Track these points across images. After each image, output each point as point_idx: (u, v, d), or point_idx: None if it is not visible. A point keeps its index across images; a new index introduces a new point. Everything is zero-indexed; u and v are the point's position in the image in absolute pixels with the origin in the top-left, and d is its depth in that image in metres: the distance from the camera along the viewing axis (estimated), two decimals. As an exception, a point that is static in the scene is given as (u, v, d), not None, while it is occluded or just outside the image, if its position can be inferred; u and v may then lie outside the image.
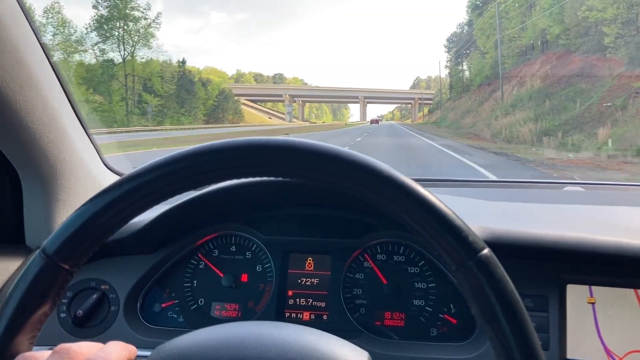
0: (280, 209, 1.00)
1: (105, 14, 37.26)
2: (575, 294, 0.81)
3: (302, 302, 0.94)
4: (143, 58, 37.67)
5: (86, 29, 36.42)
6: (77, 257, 0.45)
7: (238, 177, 0.46)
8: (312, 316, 0.93)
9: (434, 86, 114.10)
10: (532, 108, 21.56)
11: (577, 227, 0.92)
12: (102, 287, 0.92)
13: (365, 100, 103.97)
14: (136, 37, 38.11)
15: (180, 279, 0.98)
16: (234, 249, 0.99)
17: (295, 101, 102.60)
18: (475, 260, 0.43)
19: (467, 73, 59.70)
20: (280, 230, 0.99)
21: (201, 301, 0.96)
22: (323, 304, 0.94)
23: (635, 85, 16.40)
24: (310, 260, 0.97)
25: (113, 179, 0.83)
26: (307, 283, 0.96)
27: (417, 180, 0.45)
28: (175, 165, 0.45)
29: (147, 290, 0.96)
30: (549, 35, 29.16)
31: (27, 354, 0.44)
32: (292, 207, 1.00)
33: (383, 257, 0.96)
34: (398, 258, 0.95)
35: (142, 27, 38.29)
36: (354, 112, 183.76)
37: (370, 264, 0.95)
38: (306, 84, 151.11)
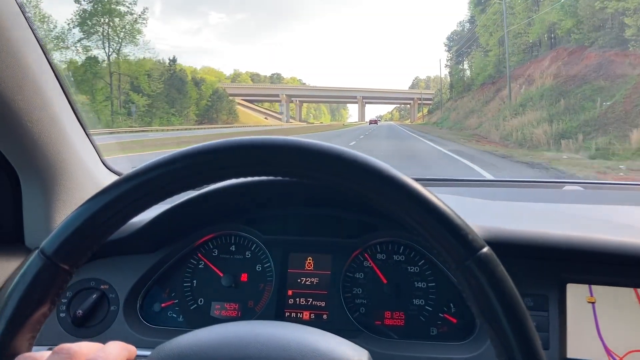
0: (280, 208, 0.99)
1: (89, 9, 35.41)
2: (575, 293, 0.81)
3: (302, 302, 0.94)
4: (129, 55, 35.80)
5: (68, 24, 34.52)
6: (76, 258, 0.45)
7: (237, 177, 0.46)
8: (312, 316, 0.93)
9: (434, 86, 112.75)
10: (544, 108, 19.69)
11: (576, 226, 0.92)
12: (102, 286, 0.92)
13: (364, 100, 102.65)
14: (122, 33, 36.30)
15: (180, 279, 0.97)
16: (233, 249, 0.99)
17: (292, 101, 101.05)
18: (475, 259, 0.43)
19: (468, 72, 57.80)
20: (280, 230, 0.98)
21: (201, 301, 0.96)
22: (323, 304, 0.93)
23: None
24: (310, 259, 0.97)
25: (112, 179, 0.83)
26: (307, 282, 0.95)
27: (416, 179, 0.45)
28: (174, 165, 0.45)
29: (146, 290, 0.95)
30: (559, 30, 27.32)
31: (27, 354, 0.44)
32: (292, 206, 0.99)
33: (383, 256, 0.96)
34: (398, 257, 0.95)
35: (128, 22, 36.45)
36: (352, 112, 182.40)
37: (370, 264, 0.95)
38: (304, 84, 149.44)
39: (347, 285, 0.94)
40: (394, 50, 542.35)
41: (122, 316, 0.90)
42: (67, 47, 33.74)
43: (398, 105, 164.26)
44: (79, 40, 34.64)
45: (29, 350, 0.45)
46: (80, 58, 33.68)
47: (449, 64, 63.76)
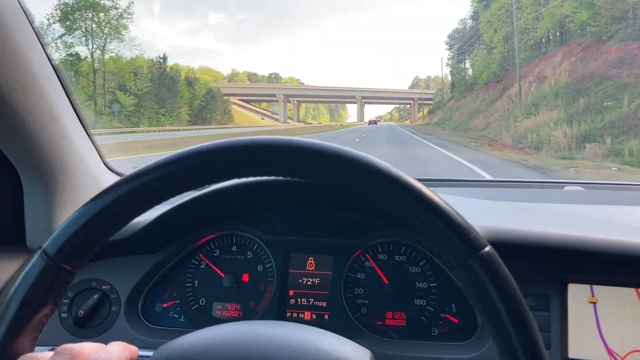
0: (281, 208, 0.99)
1: (71, 3, 33.35)
2: (577, 293, 0.81)
3: (304, 302, 0.94)
4: (113, 52, 33.77)
5: (48, 19, 32.50)
6: (78, 258, 0.45)
7: (239, 177, 0.47)
8: (314, 316, 0.93)
9: (434, 86, 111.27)
10: (561, 107, 17.80)
11: (577, 227, 0.92)
12: (104, 287, 0.92)
13: (363, 100, 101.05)
14: (107, 28, 34.27)
15: (182, 279, 0.97)
16: (235, 249, 0.99)
17: (290, 101, 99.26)
18: (477, 258, 0.43)
19: (470, 71, 55.78)
20: (281, 230, 0.98)
21: (202, 301, 0.96)
22: (324, 304, 0.93)
23: None
24: (311, 260, 0.96)
25: (113, 179, 0.85)
26: (309, 283, 0.95)
27: (418, 180, 0.45)
28: (176, 165, 0.45)
29: (148, 290, 0.95)
30: (572, 23, 25.39)
31: (29, 355, 0.44)
32: (293, 206, 0.99)
33: (384, 256, 0.95)
34: (399, 258, 0.95)
35: (113, 17, 34.45)
36: (351, 112, 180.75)
37: (371, 264, 0.95)
38: (303, 83, 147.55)
39: (348, 285, 0.94)
40: (394, 49, 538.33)
41: (123, 316, 0.90)
42: (47, 44, 31.68)
43: (398, 106, 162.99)
44: (60, 37, 32.66)
45: (32, 350, 0.45)
46: (60, 55, 31.73)
47: (450, 62, 62.18)
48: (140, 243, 0.93)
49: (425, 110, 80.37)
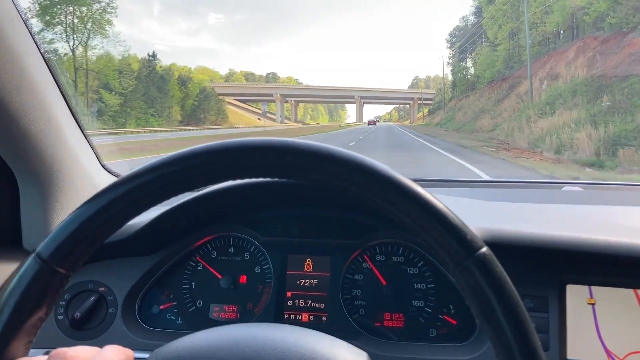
0: (279, 209, 0.99)
1: (51, -4, 31.37)
2: (575, 295, 0.81)
3: (301, 304, 0.94)
4: (96, 48, 31.74)
5: (25, 14, 30.44)
6: (72, 261, 0.45)
7: (235, 179, 0.47)
8: (311, 317, 0.93)
9: (434, 86, 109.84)
10: (581, 106, 15.85)
11: (576, 227, 0.92)
12: (100, 289, 0.92)
13: (362, 100, 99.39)
14: (89, 23, 32.23)
15: (179, 281, 0.97)
16: (232, 251, 0.99)
17: (287, 101, 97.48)
18: (474, 259, 0.42)
19: (471, 70, 53.63)
20: (279, 231, 0.98)
21: (199, 303, 0.96)
22: (322, 305, 0.93)
23: None
24: (309, 261, 0.96)
25: (110, 180, 0.84)
26: (306, 284, 0.95)
27: (415, 180, 0.45)
28: (172, 167, 0.45)
29: (145, 292, 0.95)
30: (587, 16, 23.38)
31: (23, 359, 0.44)
32: (291, 207, 0.99)
33: (382, 257, 0.95)
34: (397, 259, 0.95)
35: (96, 11, 32.39)
36: (351, 113, 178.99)
37: (369, 265, 0.95)
38: (301, 83, 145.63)
39: (346, 286, 0.94)
40: (393, 48, 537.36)
41: (120, 318, 0.90)
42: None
43: (397, 106, 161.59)
44: (39, 32, 30.63)
45: (26, 354, 0.44)
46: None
47: (451, 61, 60.38)
48: (137, 245, 0.93)
49: (425, 111, 79.17)
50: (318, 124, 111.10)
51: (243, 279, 0.96)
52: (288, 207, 0.99)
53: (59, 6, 31.62)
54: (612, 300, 0.79)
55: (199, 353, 0.44)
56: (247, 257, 0.98)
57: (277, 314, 0.93)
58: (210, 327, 0.49)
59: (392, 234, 0.95)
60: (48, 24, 31.12)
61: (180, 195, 0.48)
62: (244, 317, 0.94)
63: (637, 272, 0.78)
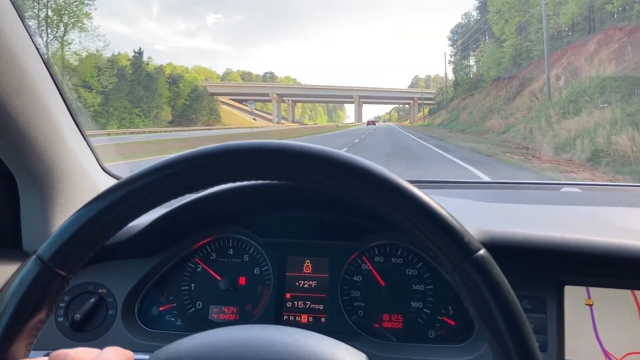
0: (278, 211, 0.99)
1: (23, -13, 28.98)
2: (573, 296, 0.81)
3: (300, 305, 0.94)
4: (72, 43, 29.34)
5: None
6: (73, 263, 0.45)
7: (234, 181, 0.47)
8: (310, 319, 0.93)
9: (434, 85, 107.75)
10: (616, 104, 13.51)
11: (574, 228, 0.92)
12: (100, 290, 0.92)
13: (361, 100, 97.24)
14: (65, 16, 29.87)
15: (178, 283, 0.97)
16: (231, 252, 0.99)
17: (284, 101, 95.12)
18: (471, 261, 0.43)
19: (474, 68, 51.16)
20: (278, 233, 0.98)
21: (199, 304, 0.96)
22: (321, 307, 0.93)
23: None
24: (308, 262, 0.96)
25: (110, 182, 0.88)
26: (305, 286, 0.95)
27: (412, 182, 0.45)
28: (171, 169, 0.45)
29: (144, 294, 0.95)
30: (609, 4, 21.08)
31: None
32: (290, 209, 0.99)
33: (381, 259, 0.95)
34: (396, 260, 0.95)
35: (73, 2, 29.98)
36: (350, 113, 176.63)
37: (368, 266, 0.95)
38: (299, 83, 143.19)
39: (345, 288, 0.94)
40: (393, 48, 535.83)
41: (120, 320, 0.90)
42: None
43: (396, 106, 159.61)
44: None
45: (27, 356, 0.45)
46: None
47: (453, 59, 58.13)
48: (136, 246, 0.93)
49: (426, 111, 77.17)
50: (316, 124, 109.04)
51: (242, 280, 0.96)
52: (287, 209, 0.99)
53: (31, -2, 29.28)
54: (610, 301, 0.79)
55: (199, 354, 0.44)
56: (246, 258, 0.98)
57: (276, 316, 0.93)
58: (209, 328, 0.49)
59: (390, 236, 0.95)
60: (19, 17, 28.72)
61: (180, 197, 0.48)
62: (244, 318, 0.94)
63: (634, 273, 0.79)
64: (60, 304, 0.90)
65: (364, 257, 0.95)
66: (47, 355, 0.42)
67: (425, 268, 0.93)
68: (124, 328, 0.89)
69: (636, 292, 0.79)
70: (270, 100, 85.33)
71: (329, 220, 0.97)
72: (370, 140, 21.42)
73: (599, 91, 15.59)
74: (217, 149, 0.45)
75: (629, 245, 0.78)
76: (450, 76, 57.35)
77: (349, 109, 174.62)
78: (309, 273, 0.95)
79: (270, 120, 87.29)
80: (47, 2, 29.62)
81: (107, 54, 33.12)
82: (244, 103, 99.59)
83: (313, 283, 0.95)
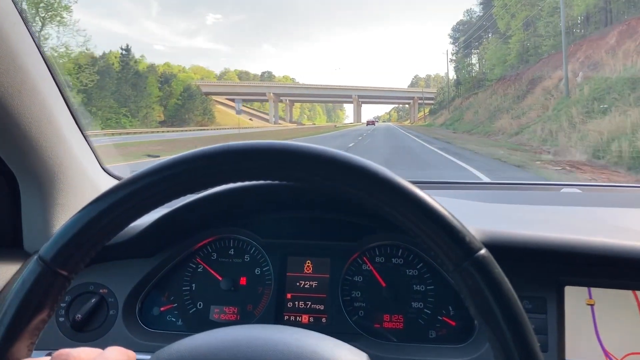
0: (279, 211, 0.99)
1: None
2: (574, 296, 0.81)
3: (301, 305, 0.94)
4: (48, 38, 27.29)
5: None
6: (74, 263, 0.45)
7: (234, 181, 0.47)
8: (311, 319, 0.93)
9: (434, 85, 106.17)
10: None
11: (574, 229, 0.91)
12: (101, 291, 0.92)
13: (360, 99, 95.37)
14: (42, 10, 27.88)
15: (179, 283, 0.97)
16: (232, 252, 0.99)
17: (281, 100, 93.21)
18: (472, 261, 0.43)
19: (476, 67, 49.13)
20: (279, 233, 0.98)
21: (200, 305, 0.96)
22: (322, 307, 0.93)
23: None
24: (308, 263, 0.96)
25: (111, 183, 0.84)
26: (306, 286, 0.95)
27: (413, 182, 0.45)
28: (172, 170, 0.45)
29: (145, 294, 0.95)
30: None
31: None
32: (290, 210, 0.99)
33: (382, 259, 0.95)
34: (396, 261, 0.95)
35: (53, -5, 27.97)
36: (349, 113, 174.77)
37: (368, 267, 0.95)
38: (298, 83, 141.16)
39: (345, 288, 0.94)
40: (392, 47, 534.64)
41: (121, 320, 0.90)
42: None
43: (396, 106, 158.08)
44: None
45: (29, 356, 0.45)
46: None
47: (454, 58, 56.23)
48: (137, 247, 0.93)
49: (426, 110, 75.45)
50: (314, 124, 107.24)
51: (243, 280, 0.96)
52: (288, 209, 0.98)
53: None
54: (611, 301, 0.79)
55: (200, 354, 0.44)
56: (247, 259, 0.98)
57: (277, 316, 0.93)
58: (210, 328, 0.49)
59: (391, 236, 0.94)
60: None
61: (181, 198, 0.48)
62: (244, 318, 0.94)
63: (635, 274, 0.79)
64: (62, 304, 0.90)
65: (364, 258, 0.95)
66: (48, 355, 0.43)
67: (426, 268, 0.93)
68: (124, 328, 0.89)
69: (637, 292, 0.79)
70: (267, 100, 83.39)
71: (330, 221, 0.97)
72: (369, 143, 19.45)
73: (629, 87, 13.70)
74: (217, 150, 0.45)
75: (629, 245, 0.78)
76: (452, 75, 55.48)
77: (348, 109, 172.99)
78: (309, 273, 0.95)
79: (267, 120, 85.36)
80: (23, -7, 27.70)
81: (89, 49, 31.15)
82: (242, 103, 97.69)
83: (314, 283, 0.95)
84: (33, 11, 27.50)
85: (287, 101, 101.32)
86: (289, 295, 0.94)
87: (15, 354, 0.43)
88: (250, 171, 0.46)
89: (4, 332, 0.43)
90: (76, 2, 29.41)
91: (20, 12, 0.80)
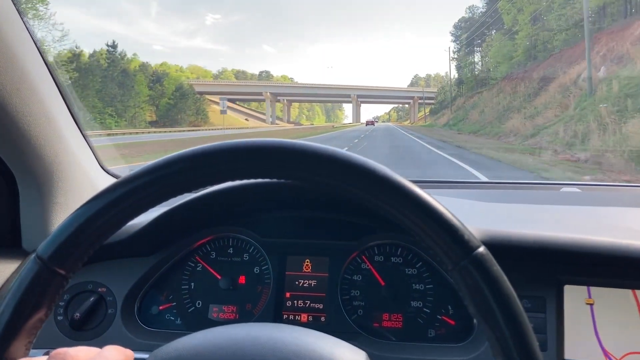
0: (278, 210, 0.99)
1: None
2: (573, 295, 0.81)
3: (300, 304, 0.94)
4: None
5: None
6: (72, 262, 0.45)
7: (233, 180, 0.47)
8: (310, 318, 0.93)
9: (434, 84, 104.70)
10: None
11: (574, 228, 0.92)
12: (100, 289, 0.92)
13: (359, 99, 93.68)
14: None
15: (178, 282, 0.97)
16: (231, 251, 0.99)
17: (279, 100, 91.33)
18: (471, 259, 0.42)
19: (479, 65, 47.17)
20: (278, 232, 0.98)
21: (199, 303, 0.96)
22: (321, 306, 0.93)
23: None
24: (307, 262, 0.96)
25: (110, 181, 0.87)
26: (305, 285, 0.95)
27: (413, 181, 0.45)
28: (170, 168, 0.45)
29: (144, 293, 0.95)
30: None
31: (24, 359, 0.44)
32: (290, 209, 0.99)
33: (381, 258, 0.95)
34: (395, 260, 0.95)
35: (25, -14, 26.08)
36: (348, 113, 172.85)
37: (367, 266, 0.95)
38: (296, 82, 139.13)
39: (344, 287, 0.94)
40: (392, 46, 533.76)
41: (119, 319, 0.90)
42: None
43: (396, 106, 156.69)
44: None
45: (26, 355, 0.45)
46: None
47: (456, 56, 54.40)
48: (136, 245, 0.93)
49: (427, 110, 73.83)
50: (312, 124, 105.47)
51: (242, 279, 0.96)
52: (287, 209, 0.98)
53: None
54: (611, 300, 0.79)
55: (199, 353, 0.44)
56: (246, 257, 0.98)
57: (276, 315, 0.93)
58: (209, 327, 0.49)
59: (390, 235, 0.94)
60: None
61: (180, 196, 0.48)
62: (243, 317, 0.94)
63: (635, 273, 0.78)
64: (60, 303, 0.89)
65: (363, 257, 0.95)
66: (46, 354, 0.42)
67: (425, 267, 0.93)
68: (123, 327, 0.89)
69: (637, 291, 0.79)
70: (264, 100, 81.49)
71: (329, 220, 0.97)
72: (368, 145, 17.42)
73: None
74: (214, 148, 0.45)
75: (629, 245, 0.78)
76: (454, 74, 53.63)
77: (348, 109, 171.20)
78: (308, 272, 0.95)
79: (264, 120, 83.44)
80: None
81: (66, 45, 29.24)
82: (237, 103, 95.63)
83: (313, 282, 0.94)
84: (6, 3, 25.59)
85: (285, 101, 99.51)
86: (288, 294, 0.94)
87: (12, 353, 0.43)
88: (250, 170, 0.45)
89: (1, 332, 0.43)
90: (54, -6, 27.52)
91: (20, 12, 0.80)
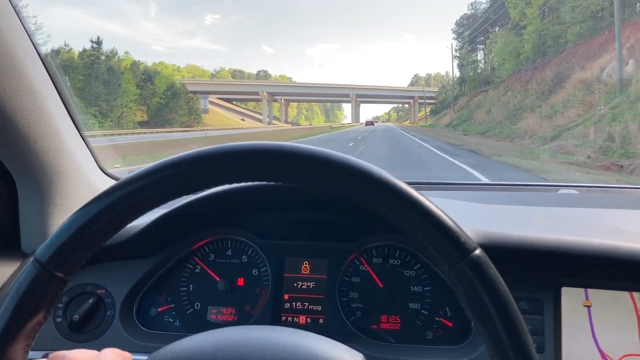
0: (276, 212, 0.99)
1: None
2: (571, 297, 0.81)
3: (298, 306, 0.94)
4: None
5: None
6: (70, 265, 0.45)
7: (231, 183, 0.47)
8: (308, 320, 0.93)
9: (435, 84, 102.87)
10: None
11: (572, 230, 0.92)
12: (98, 291, 0.92)
13: (358, 99, 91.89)
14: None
15: (177, 283, 0.97)
16: (229, 253, 0.99)
17: (276, 100, 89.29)
18: (467, 261, 0.43)
19: (482, 63, 45.08)
20: (276, 234, 0.98)
21: (197, 305, 0.96)
22: (319, 308, 0.93)
23: None
24: (306, 264, 0.96)
25: (109, 183, 0.84)
26: (303, 287, 0.95)
27: (410, 183, 0.45)
28: (169, 171, 0.45)
29: (143, 295, 0.95)
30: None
31: None
32: (288, 210, 0.99)
33: (379, 260, 0.95)
34: (394, 261, 0.95)
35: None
36: (348, 113, 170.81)
37: (366, 268, 0.95)
38: (294, 82, 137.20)
39: (343, 289, 0.94)
40: (392, 46, 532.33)
41: (118, 321, 0.90)
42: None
43: (395, 106, 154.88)
44: None
45: (24, 358, 0.45)
46: None
47: (458, 54, 52.40)
48: (135, 247, 0.93)
49: (427, 110, 71.96)
50: (311, 124, 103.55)
51: (241, 281, 0.96)
52: (285, 210, 0.98)
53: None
54: (608, 302, 0.80)
55: (197, 355, 0.44)
56: (244, 259, 0.98)
57: (274, 317, 0.93)
58: (208, 329, 0.49)
59: (388, 237, 0.94)
60: None
61: (178, 198, 0.48)
62: (242, 319, 0.94)
63: (632, 275, 0.79)
64: (59, 305, 0.90)
65: (361, 259, 0.95)
66: (45, 356, 0.43)
67: (423, 269, 0.93)
68: (122, 329, 0.89)
69: (634, 293, 0.79)
70: (260, 99, 79.52)
71: (327, 222, 0.97)
72: (367, 148, 15.47)
73: None
74: (213, 151, 0.45)
75: (627, 247, 0.78)
76: (456, 72, 51.64)
77: (347, 109, 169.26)
78: (307, 274, 0.95)
79: (260, 120, 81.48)
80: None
81: (41, 39, 27.25)
82: (233, 102, 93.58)
83: (311, 284, 0.94)
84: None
85: (282, 100, 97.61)
86: (286, 296, 0.94)
87: (11, 356, 0.43)
88: (248, 172, 0.45)
89: (0, 334, 0.43)
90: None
91: (18, 13, 0.80)
